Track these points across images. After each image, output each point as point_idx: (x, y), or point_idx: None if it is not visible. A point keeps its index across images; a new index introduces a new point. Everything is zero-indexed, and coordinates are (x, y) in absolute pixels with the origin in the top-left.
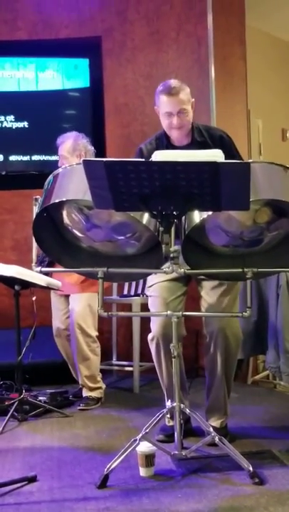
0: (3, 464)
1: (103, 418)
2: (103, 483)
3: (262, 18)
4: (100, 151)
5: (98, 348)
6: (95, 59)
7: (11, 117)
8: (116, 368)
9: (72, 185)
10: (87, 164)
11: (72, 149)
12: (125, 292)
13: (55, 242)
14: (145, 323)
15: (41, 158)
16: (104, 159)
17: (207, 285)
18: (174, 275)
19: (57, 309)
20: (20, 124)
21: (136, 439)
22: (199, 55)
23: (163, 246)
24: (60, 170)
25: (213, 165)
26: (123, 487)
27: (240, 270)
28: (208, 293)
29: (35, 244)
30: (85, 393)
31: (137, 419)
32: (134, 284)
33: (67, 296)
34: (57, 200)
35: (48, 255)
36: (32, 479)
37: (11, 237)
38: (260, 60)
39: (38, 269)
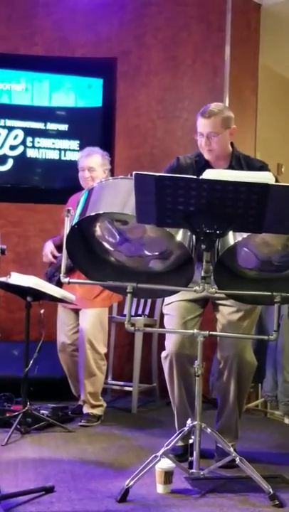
0: (15, 474)
1: (106, 436)
2: (123, 498)
3: (265, 54)
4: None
5: (105, 366)
6: (109, 80)
7: None
8: (113, 387)
9: (109, 198)
10: (138, 178)
11: (101, 163)
12: (125, 312)
13: (81, 254)
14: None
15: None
16: (156, 173)
17: (225, 310)
18: (192, 296)
19: (64, 324)
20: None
21: (156, 456)
22: (214, 84)
23: (204, 264)
24: (95, 184)
25: (263, 186)
26: (143, 502)
27: (270, 294)
28: (226, 317)
29: (65, 255)
30: (86, 410)
31: (140, 438)
32: (134, 303)
33: (76, 312)
34: (93, 213)
35: (76, 267)
36: (50, 489)
37: (13, 250)
38: (260, 94)
39: (67, 280)
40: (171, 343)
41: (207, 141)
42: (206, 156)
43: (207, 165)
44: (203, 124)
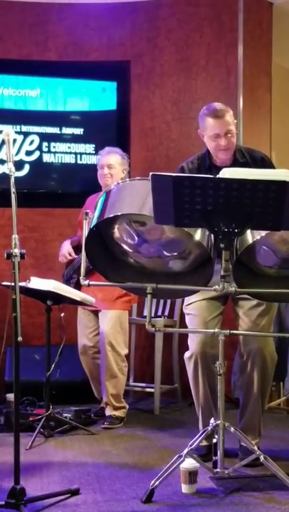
0: (40, 477)
1: (130, 437)
2: (149, 498)
3: (281, 52)
4: None
5: (126, 367)
6: (123, 83)
7: None
8: (134, 389)
9: (127, 200)
10: (154, 178)
11: (121, 162)
12: (145, 313)
13: (100, 256)
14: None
15: None
16: (172, 174)
17: (245, 305)
18: (212, 294)
19: (84, 326)
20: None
21: (181, 456)
22: (228, 84)
23: (223, 263)
24: (113, 186)
25: (281, 184)
26: (169, 503)
27: None
28: (246, 313)
29: (84, 258)
30: (109, 412)
31: (163, 439)
32: (154, 304)
33: (95, 314)
34: (111, 215)
35: (95, 269)
36: (75, 492)
37: (32, 255)
38: (273, 93)
39: (87, 282)
40: (195, 342)
41: (226, 141)
42: (223, 156)
43: (212, 164)
44: (218, 125)
